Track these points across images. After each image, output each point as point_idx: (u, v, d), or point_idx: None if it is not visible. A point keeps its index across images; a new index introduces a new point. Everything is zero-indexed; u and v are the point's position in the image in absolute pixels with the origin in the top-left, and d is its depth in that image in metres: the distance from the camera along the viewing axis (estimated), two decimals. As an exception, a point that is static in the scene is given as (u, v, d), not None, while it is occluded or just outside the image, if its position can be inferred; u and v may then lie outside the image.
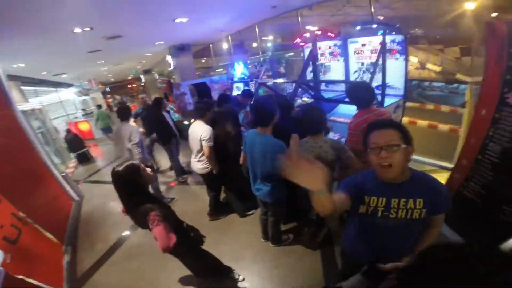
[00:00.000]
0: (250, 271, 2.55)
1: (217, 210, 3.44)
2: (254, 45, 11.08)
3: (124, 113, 3.64)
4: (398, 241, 1.30)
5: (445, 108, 6.57)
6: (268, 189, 2.26)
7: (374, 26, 4.13)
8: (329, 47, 4.64)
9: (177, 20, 5.26)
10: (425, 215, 1.22)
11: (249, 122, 3.67)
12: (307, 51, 5.27)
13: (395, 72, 3.94)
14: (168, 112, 5.17)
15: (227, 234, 3.14)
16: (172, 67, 9.21)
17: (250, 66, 7.58)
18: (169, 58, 9.10)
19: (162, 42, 7.84)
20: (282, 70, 7.39)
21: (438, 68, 12.47)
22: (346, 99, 2.63)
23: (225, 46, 9.71)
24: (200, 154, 2.92)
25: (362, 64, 4.31)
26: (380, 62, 3.32)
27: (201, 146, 2.83)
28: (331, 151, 1.96)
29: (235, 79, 7.18)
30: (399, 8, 8.45)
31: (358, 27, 4.40)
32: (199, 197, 4.05)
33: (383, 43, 3.12)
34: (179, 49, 8.58)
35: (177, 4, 4.24)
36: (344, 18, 8.89)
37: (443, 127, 5.28)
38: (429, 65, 12.34)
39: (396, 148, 1.12)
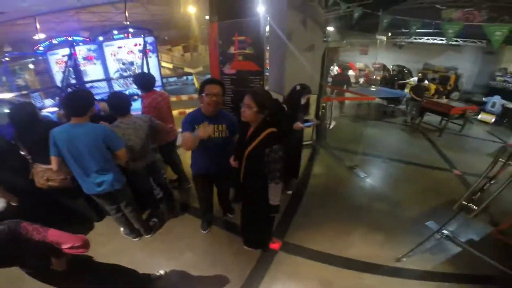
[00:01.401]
0: (158, 264, 2.35)
1: None
2: None
3: None
4: (222, 152, 2.13)
5: (184, 97, 8.03)
6: (112, 176, 2.16)
7: (131, 30, 4.58)
8: (81, 52, 4.48)
9: None
10: (228, 133, 2.10)
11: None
12: (51, 58, 4.61)
13: (151, 68, 4.85)
14: None
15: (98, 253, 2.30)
16: None
17: None
18: None
19: None
20: (20, 82, 5.47)
21: (170, 65, 15.32)
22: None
23: None
24: None
25: (124, 63, 4.73)
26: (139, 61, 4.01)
27: None
28: (143, 124, 2.40)
29: None
30: (136, 14, 9.19)
31: (116, 32, 4.57)
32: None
33: (144, 45, 3.76)
34: None
35: None
36: (78, 24, 8.21)
37: (189, 110, 6.85)
38: (163, 64, 14.74)
39: (219, 96, 1.97)
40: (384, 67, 11.53)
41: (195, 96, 7.36)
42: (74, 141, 1.96)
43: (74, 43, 4.02)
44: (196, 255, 2.48)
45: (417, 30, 3.82)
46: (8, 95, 3.76)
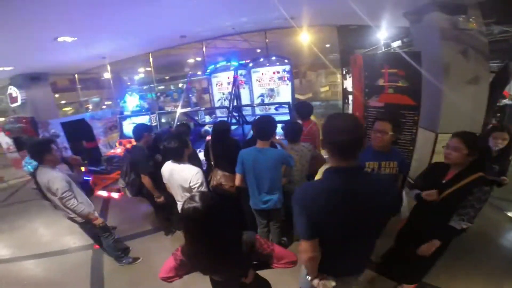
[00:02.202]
0: (285, 282, 2.34)
1: None
2: (139, 76, 10.49)
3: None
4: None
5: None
6: (277, 196, 2.48)
7: (273, 58, 5.48)
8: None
9: (60, 39, 4.48)
10: (397, 171, 2.14)
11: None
12: (214, 81, 6.05)
13: (286, 94, 5.54)
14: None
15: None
16: (19, 102, 7.05)
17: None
18: (13, 90, 6.90)
19: (11, 68, 5.98)
20: (194, 99, 7.49)
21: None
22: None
23: (106, 75, 8.60)
24: None
25: (267, 90, 5.62)
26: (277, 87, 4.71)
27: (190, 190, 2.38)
28: (307, 152, 2.76)
29: (127, 112, 6.70)
30: (254, 41, 10.74)
31: (262, 59, 5.55)
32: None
33: (290, 72, 4.39)
34: (32, 79, 6.67)
35: (65, 20, 3.66)
36: (215, 50, 10.31)
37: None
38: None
39: (385, 133, 2.03)
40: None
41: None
42: (259, 163, 2.34)
43: (237, 68, 5.01)
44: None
45: None
46: (187, 109, 5.09)
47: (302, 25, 5.82)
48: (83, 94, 9.84)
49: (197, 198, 1.17)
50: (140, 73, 10.86)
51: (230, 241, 1.23)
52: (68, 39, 4.56)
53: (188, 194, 2.34)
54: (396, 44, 8.71)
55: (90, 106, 11.33)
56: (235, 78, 4.77)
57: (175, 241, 3.47)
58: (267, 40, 6.24)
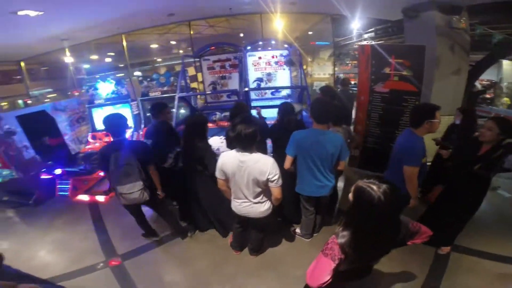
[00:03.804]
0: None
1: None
2: (108, 60, 9.37)
3: None
4: None
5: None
6: (333, 183, 2.49)
7: (273, 42, 5.53)
8: (230, 60, 5.61)
9: (21, 13, 3.79)
10: None
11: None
12: (204, 64, 5.88)
13: (284, 79, 5.76)
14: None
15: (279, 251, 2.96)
16: None
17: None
18: None
19: None
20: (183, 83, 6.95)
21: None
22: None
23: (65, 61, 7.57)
24: (261, 196, 2.25)
25: (263, 74, 5.74)
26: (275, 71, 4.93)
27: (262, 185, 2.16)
28: (348, 133, 2.96)
29: (100, 101, 6.07)
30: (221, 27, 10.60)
31: (260, 42, 5.54)
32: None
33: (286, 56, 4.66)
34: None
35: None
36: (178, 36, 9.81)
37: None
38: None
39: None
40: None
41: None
42: (319, 145, 2.30)
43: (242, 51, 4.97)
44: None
45: None
46: (182, 94, 4.90)
47: (300, 11, 6.02)
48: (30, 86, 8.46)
49: (378, 181, 1.17)
50: (107, 58, 9.85)
51: (398, 223, 1.29)
52: (32, 13, 3.86)
53: (258, 190, 2.18)
54: (368, 35, 9.62)
55: (30, 101, 9.77)
56: (240, 60, 4.80)
57: (199, 241, 3.27)
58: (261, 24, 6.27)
